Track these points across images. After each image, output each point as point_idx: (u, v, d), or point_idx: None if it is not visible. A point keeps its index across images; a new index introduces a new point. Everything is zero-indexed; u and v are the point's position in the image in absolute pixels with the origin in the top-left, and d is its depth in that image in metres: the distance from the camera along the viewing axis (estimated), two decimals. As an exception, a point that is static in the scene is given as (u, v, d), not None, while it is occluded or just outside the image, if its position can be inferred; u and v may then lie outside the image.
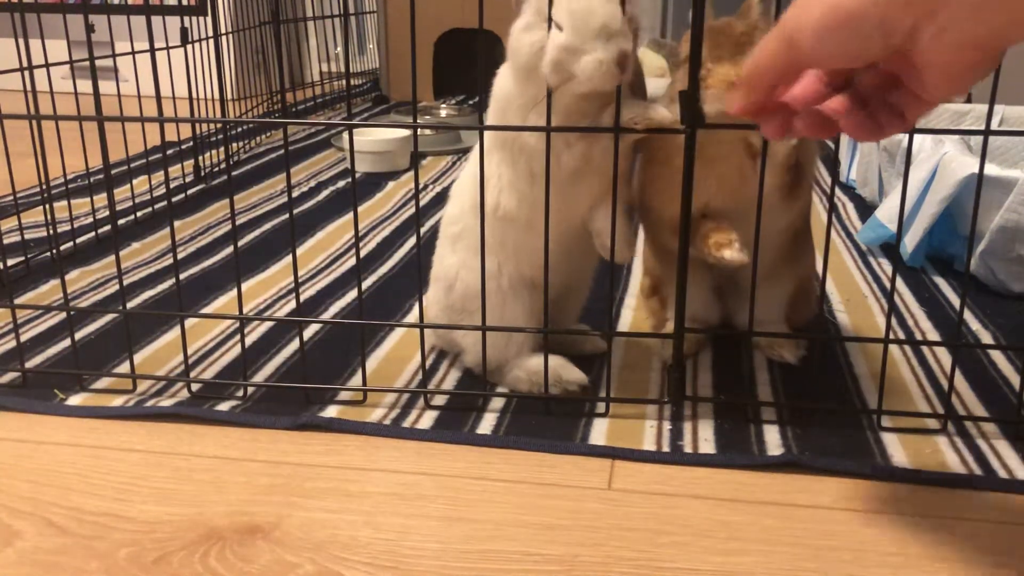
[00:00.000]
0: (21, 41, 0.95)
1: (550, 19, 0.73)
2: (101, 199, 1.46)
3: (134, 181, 1.56)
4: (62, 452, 0.78)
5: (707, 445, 0.78)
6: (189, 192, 1.59)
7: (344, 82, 1.58)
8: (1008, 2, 0.43)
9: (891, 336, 0.80)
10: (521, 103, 0.78)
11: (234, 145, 1.88)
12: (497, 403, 0.85)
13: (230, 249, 1.30)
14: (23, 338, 0.98)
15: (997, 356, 0.95)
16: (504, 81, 0.81)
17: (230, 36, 1.97)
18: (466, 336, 0.88)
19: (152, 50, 0.81)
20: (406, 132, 1.79)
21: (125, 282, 1.15)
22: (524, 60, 0.76)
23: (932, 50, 0.46)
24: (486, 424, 0.81)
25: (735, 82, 0.56)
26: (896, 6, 0.44)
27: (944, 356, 0.95)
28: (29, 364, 0.92)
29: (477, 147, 0.83)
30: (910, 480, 0.73)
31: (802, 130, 0.55)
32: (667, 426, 0.81)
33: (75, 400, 0.86)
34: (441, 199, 1.55)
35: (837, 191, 1.56)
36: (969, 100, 2.39)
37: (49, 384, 0.88)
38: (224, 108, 1.52)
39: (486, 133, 0.82)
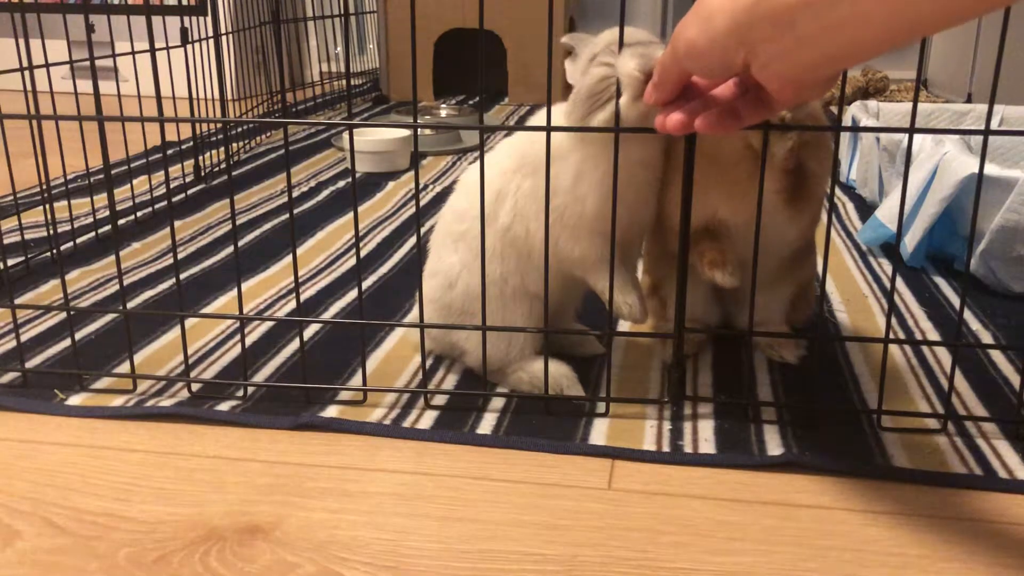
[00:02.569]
0: (21, 41, 0.95)
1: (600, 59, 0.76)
2: (101, 199, 1.46)
3: (134, 181, 1.56)
4: (62, 452, 0.78)
5: (707, 445, 0.78)
6: (189, 192, 1.59)
7: (344, 82, 1.58)
8: (804, 50, 0.54)
9: (891, 336, 0.80)
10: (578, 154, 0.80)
11: (234, 145, 1.88)
12: (497, 403, 0.85)
13: (230, 249, 1.30)
14: (23, 338, 0.98)
15: (997, 356, 0.95)
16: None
17: (230, 36, 1.97)
18: (468, 339, 0.88)
19: (152, 50, 0.81)
20: (406, 132, 1.79)
21: (125, 282, 1.15)
22: (584, 93, 0.77)
23: (762, 77, 0.59)
24: (486, 424, 0.81)
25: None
26: (729, 47, 0.57)
27: (944, 356, 0.96)
28: (29, 364, 0.92)
29: (499, 150, 0.85)
30: (910, 480, 0.74)
31: (713, 121, 0.65)
32: (667, 426, 0.81)
33: (75, 400, 0.86)
34: (441, 199, 1.55)
35: (837, 191, 1.56)
36: (969, 100, 2.38)
37: (49, 384, 0.89)
38: (224, 108, 1.52)
39: (511, 150, 0.84)
